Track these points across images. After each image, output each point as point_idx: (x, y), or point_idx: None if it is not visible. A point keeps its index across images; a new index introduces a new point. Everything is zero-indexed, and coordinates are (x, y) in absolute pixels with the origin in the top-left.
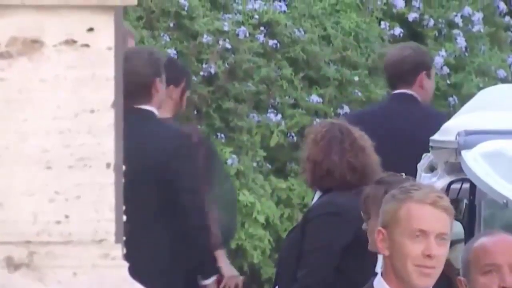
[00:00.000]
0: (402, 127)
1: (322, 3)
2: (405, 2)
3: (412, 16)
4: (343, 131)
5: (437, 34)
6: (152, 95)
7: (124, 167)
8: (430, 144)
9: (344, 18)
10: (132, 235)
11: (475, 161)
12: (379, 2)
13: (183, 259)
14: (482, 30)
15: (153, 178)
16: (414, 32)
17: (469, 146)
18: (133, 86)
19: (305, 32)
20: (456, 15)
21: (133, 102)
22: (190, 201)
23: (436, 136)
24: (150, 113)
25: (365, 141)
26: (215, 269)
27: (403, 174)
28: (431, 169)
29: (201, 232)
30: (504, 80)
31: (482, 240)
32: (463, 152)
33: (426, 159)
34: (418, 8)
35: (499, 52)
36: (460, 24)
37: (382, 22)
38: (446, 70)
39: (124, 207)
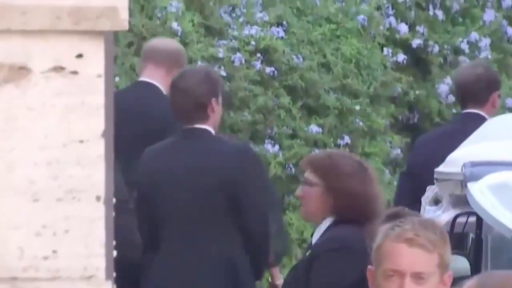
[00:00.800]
0: None
1: (321, 29)
2: (409, 27)
3: (416, 42)
4: (361, 163)
5: (442, 61)
6: (208, 115)
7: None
8: (435, 176)
9: (345, 44)
10: (195, 249)
11: (481, 194)
12: (381, 28)
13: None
14: (489, 57)
15: (218, 195)
16: (418, 58)
17: (475, 178)
18: (189, 106)
19: (303, 59)
20: (462, 41)
21: (189, 121)
22: (257, 215)
23: (441, 168)
24: (207, 132)
25: (374, 173)
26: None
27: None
28: (436, 202)
29: (266, 245)
30: None
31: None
32: (469, 184)
33: (431, 191)
34: (423, 33)
35: (507, 80)
36: (467, 51)
37: (385, 49)
38: (451, 98)
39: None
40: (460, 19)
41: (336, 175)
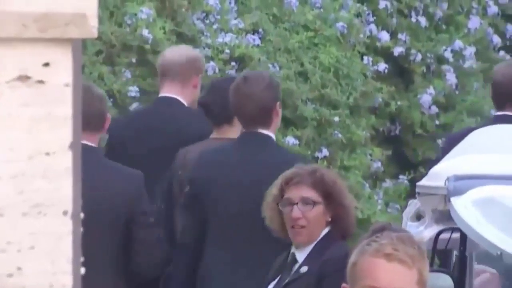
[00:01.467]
0: None
1: (299, 36)
2: (391, 35)
3: (398, 50)
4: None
5: (425, 70)
6: (272, 120)
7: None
8: (417, 190)
9: (323, 52)
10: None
11: (466, 209)
12: (361, 35)
13: None
14: (474, 66)
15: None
16: (400, 67)
17: (459, 192)
18: (254, 110)
19: (280, 68)
20: (446, 50)
21: (252, 126)
22: None
23: (424, 182)
24: (269, 138)
25: (343, 184)
26: None
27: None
28: (418, 217)
29: None
30: None
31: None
32: (453, 199)
33: (413, 206)
34: (405, 41)
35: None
36: (451, 59)
37: (365, 57)
38: (434, 109)
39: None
40: (444, 27)
41: (334, 190)
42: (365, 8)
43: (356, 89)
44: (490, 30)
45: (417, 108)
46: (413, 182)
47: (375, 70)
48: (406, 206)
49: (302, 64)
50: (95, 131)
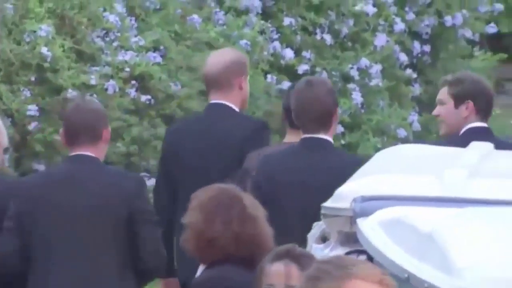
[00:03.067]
0: None
1: (201, 54)
2: (295, 52)
3: (302, 68)
4: (232, 198)
5: None
6: (331, 124)
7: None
8: (322, 211)
9: None
10: None
11: (372, 231)
12: (265, 53)
13: None
14: (380, 84)
15: None
16: None
17: (365, 213)
18: (316, 114)
19: (182, 87)
20: (351, 67)
21: (312, 130)
22: None
23: (329, 203)
24: (329, 143)
25: (257, 210)
26: None
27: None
28: (323, 239)
29: None
30: (404, 140)
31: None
32: (359, 221)
33: (318, 228)
34: (309, 59)
35: (399, 109)
36: (356, 78)
37: (269, 75)
38: (340, 129)
39: None
40: (350, 44)
41: (190, 210)
42: (269, 25)
43: (259, 108)
44: (397, 47)
45: None
46: None
47: (279, 88)
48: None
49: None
50: (92, 143)
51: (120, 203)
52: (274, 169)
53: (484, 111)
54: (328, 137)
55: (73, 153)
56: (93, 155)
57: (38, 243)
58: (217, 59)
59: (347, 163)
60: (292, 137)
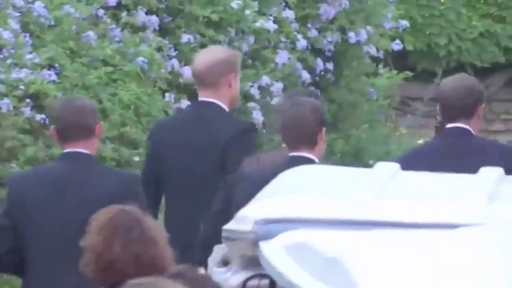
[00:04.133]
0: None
1: (97, 72)
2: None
3: None
4: (132, 220)
5: None
6: (316, 143)
7: None
8: (223, 234)
9: (123, 89)
10: None
11: (275, 254)
12: (163, 71)
13: None
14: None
15: None
16: None
17: (268, 236)
18: (299, 134)
19: None
20: (252, 86)
21: (295, 149)
22: None
23: (230, 225)
24: (312, 161)
25: (157, 231)
26: None
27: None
28: (225, 263)
29: None
30: None
31: None
32: (262, 244)
33: (219, 251)
34: None
35: None
36: (257, 96)
37: (167, 94)
38: None
39: None
40: (250, 61)
41: (89, 232)
42: (166, 42)
43: None
44: (299, 65)
45: None
46: None
47: (177, 107)
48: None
49: (100, 101)
50: (84, 139)
51: (115, 202)
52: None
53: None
54: (313, 156)
55: (67, 150)
56: (86, 151)
57: (30, 245)
58: (206, 57)
59: None
60: None
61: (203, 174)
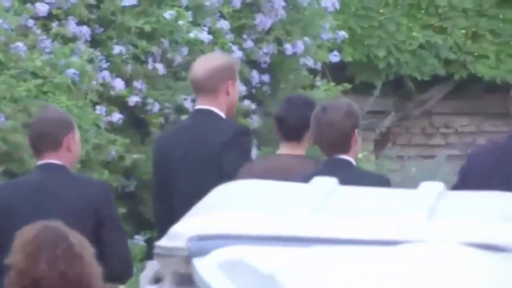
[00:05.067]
0: None
1: (26, 84)
2: (126, 83)
3: (133, 99)
4: (57, 236)
5: (163, 121)
6: (351, 146)
7: None
8: (155, 251)
9: (53, 101)
10: None
11: (209, 271)
12: (94, 83)
13: None
14: None
15: None
16: (136, 118)
17: (202, 253)
18: (334, 137)
19: (6, 119)
20: (186, 99)
21: (332, 153)
22: None
23: (163, 242)
24: (349, 163)
25: (84, 248)
26: None
27: None
28: (157, 280)
29: None
30: None
31: None
32: (195, 261)
33: (151, 268)
34: (141, 90)
35: None
36: (191, 109)
37: (98, 107)
38: None
39: None
40: (184, 73)
41: (12, 248)
42: (98, 54)
43: (88, 141)
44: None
45: None
46: (150, 242)
47: (108, 120)
48: (143, 269)
49: (30, 115)
50: (53, 150)
51: (88, 211)
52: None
53: None
54: (348, 157)
55: (40, 162)
56: (59, 162)
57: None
58: (204, 64)
59: (370, 181)
60: (286, 149)
61: (205, 183)
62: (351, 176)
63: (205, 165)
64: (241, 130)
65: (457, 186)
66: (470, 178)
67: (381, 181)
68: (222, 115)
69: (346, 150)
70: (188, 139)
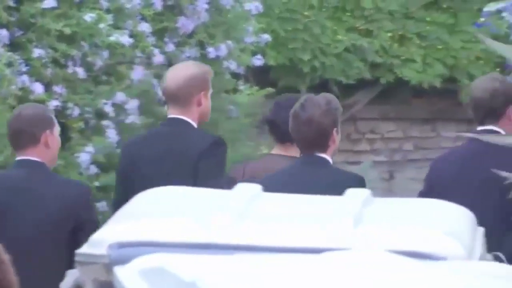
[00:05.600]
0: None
1: None
2: (46, 87)
3: (53, 104)
4: None
5: (83, 126)
6: (329, 145)
7: None
8: (76, 258)
9: None
10: None
11: (131, 279)
12: (13, 87)
13: None
14: (138, 121)
15: None
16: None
17: (123, 261)
18: (312, 135)
19: None
20: (106, 103)
21: (309, 150)
22: None
23: (83, 249)
24: (326, 160)
25: (2, 254)
26: None
27: None
28: None
29: None
30: None
31: None
32: (116, 269)
33: (71, 276)
34: (61, 94)
35: None
36: (111, 114)
37: None
38: (94, 170)
39: None
40: (104, 77)
41: None
42: (17, 57)
43: (6, 146)
44: (156, 81)
45: (75, 169)
46: None
47: None
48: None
49: None
50: (32, 146)
51: (67, 214)
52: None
53: None
54: (326, 156)
55: (19, 158)
56: (38, 159)
57: None
58: (177, 74)
59: (343, 179)
60: (279, 150)
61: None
62: (326, 174)
63: (180, 173)
64: (218, 140)
65: (423, 194)
66: (436, 185)
67: (356, 180)
68: (195, 124)
69: (324, 149)
70: (165, 147)
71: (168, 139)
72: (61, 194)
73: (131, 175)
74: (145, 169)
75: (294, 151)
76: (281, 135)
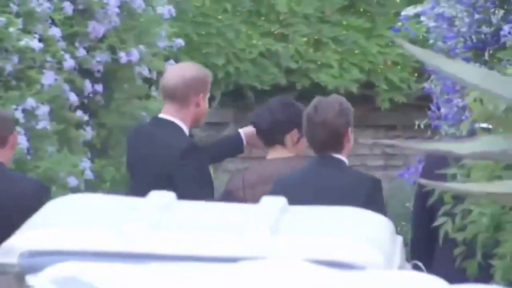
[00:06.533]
0: None
1: None
2: None
3: None
4: None
5: None
6: (343, 146)
7: None
8: None
9: None
10: None
11: None
12: None
13: None
14: (48, 127)
15: None
16: None
17: (35, 270)
18: (326, 137)
19: None
20: (16, 109)
21: (323, 151)
22: None
23: None
24: (342, 161)
25: None
26: None
27: None
28: None
29: None
30: (75, 189)
31: None
32: (28, 278)
33: None
34: None
35: (70, 155)
36: (22, 120)
37: None
38: None
39: None
40: (14, 83)
41: None
42: None
43: None
44: (67, 86)
45: None
46: None
47: None
48: None
49: None
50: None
51: (21, 210)
52: (287, 190)
53: None
54: (341, 156)
55: None
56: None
57: None
58: (177, 73)
59: (359, 181)
60: (273, 154)
61: (151, 187)
62: (342, 175)
63: (159, 176)
64: (200, 147)
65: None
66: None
67: (373, 181)
68: (184, 127)
69: (339, 150)
70: (145, 143)
71: (152, 140)
72: (16, 191)
73: (129, 166)
74: (134, 164)
75: (288, 151)
76: (268, 140)
